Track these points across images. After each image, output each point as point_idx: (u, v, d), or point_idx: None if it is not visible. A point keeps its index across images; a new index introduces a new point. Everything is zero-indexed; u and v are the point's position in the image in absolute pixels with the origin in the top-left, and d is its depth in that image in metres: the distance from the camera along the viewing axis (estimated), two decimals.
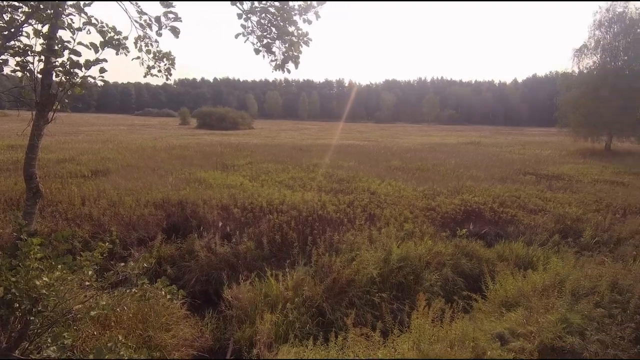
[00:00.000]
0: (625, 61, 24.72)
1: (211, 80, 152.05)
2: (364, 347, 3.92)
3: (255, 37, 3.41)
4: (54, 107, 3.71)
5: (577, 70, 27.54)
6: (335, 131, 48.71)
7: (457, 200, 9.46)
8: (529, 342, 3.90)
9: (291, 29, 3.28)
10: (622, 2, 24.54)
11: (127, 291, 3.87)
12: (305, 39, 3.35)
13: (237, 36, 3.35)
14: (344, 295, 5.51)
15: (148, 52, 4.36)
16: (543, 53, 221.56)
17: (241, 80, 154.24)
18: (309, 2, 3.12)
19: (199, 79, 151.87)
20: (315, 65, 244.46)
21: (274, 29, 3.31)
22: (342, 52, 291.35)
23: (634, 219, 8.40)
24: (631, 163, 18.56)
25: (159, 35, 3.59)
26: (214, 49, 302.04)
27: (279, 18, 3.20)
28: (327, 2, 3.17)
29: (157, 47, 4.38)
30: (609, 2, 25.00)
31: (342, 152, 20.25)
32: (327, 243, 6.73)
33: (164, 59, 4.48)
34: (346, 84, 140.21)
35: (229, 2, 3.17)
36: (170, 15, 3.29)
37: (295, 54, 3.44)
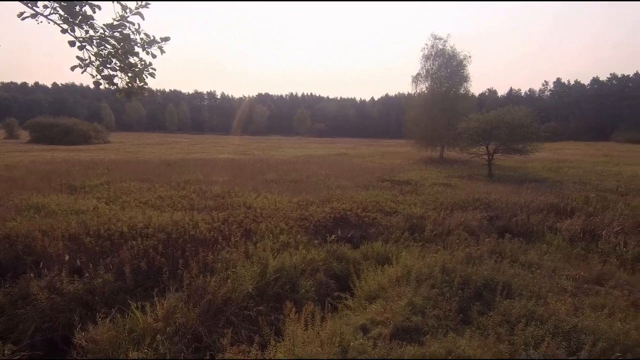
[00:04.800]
0: (447, 87, 31.11)
1: (49, 86, 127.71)
2: None
3: (94, 68, 3.06)
4: None
5: (416, 93, 33.37)
6: (209, 144, 46.83)
7: (328, 209, 10.25)
8: (385, 327, 4.53)
9: (134, 60, 3.09)
10: (442, 40, 30.99)
11: None
12: (150, 69, 3.19)
13: (73, 68, 2.95)
14: (221, 315, 5.37)
15: None
16: (393, 76, 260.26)
17: (92, 87, 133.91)
18: (152, 37, 2.98)
19: (31, 82, 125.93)
20: (183, 76, 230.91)
21: (115, 60, 3.04)
22: (212, 63, 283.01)
23: (458, 214, 10.58)
24: (456, 168, 23.33)
25: None
26: (52, 48, 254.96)
27: (120, 50, 2.96)
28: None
29: None
30: (433, 40, 31.24)
31: (217, 167, 19.62)
32: (200, 264, 6.44)
33: None
34: (218, 96, 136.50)
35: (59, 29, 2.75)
36: None
37: (141, 84, 3.24)
